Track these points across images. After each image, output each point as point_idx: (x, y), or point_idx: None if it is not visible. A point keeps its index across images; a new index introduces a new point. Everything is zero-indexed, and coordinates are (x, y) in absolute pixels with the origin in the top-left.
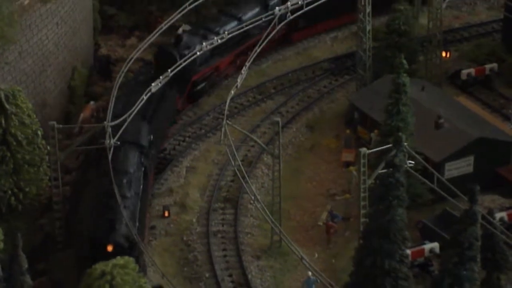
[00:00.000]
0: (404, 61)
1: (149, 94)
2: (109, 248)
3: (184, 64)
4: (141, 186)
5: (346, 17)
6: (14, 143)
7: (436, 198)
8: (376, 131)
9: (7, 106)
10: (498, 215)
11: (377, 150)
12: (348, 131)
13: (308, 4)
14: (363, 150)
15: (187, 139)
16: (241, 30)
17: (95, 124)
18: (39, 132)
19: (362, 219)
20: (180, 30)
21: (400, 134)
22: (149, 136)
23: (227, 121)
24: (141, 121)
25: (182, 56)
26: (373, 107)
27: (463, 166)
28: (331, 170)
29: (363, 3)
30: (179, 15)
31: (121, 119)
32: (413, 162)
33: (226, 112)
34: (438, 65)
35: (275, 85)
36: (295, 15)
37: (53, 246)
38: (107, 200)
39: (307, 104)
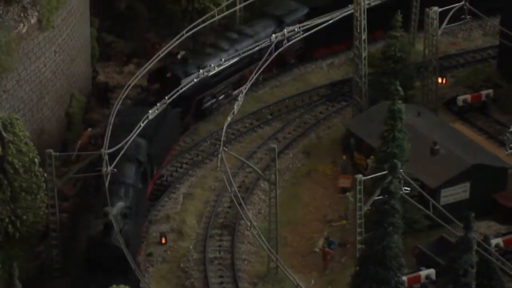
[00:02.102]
0: (400, 88)
1: None
2: None
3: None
4: None
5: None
6: (11, 171)
7: (432, 224)
8: (372, 157)
9: (4, 134)
10: (494, 241)
11: (373, 177)
12: (344, 157)
13: None
14: (359, 176)
15: (184, 165)
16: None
17: (92, 152)
18: (36, 160)
19: (359, 246)
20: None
21: (395, 161)
22: None
23: (224, 148)
24: None
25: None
26: (369, 133)
27: (459, 192)
28: (327, 196)
29: (358, 30)
30: (176, 42)
31: None
32: (408, 189)
33: (223, 139)
34: (434, 91)
35: (272, 111)
36: None
37: (50, 274)
38: None
39: (304, 130)
